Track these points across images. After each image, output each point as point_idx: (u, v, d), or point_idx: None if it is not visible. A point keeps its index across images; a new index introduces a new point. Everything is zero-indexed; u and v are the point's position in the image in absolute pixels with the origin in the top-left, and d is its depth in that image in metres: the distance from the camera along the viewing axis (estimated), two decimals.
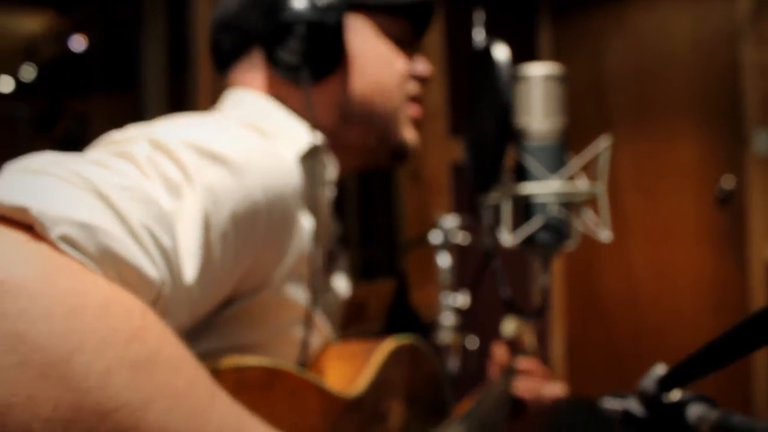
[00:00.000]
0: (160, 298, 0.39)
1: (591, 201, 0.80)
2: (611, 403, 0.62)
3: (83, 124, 1.86)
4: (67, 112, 1.86)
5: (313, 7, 0.66)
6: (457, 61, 2.35)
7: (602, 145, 0.78)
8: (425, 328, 1.98)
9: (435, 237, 1.29)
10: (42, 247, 0.32)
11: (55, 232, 0.33)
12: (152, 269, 0.37)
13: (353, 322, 1.91)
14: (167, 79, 1.94)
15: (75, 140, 1.81)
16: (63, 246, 0.33)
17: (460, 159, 2.39)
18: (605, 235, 0.78)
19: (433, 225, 1.31)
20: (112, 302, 0.33)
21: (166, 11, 1.86)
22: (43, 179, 0.36)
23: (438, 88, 2.33)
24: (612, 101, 3.09)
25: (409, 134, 0.78)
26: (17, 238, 0.32)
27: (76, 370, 0.30)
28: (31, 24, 1.89)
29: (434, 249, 1.30)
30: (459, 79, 2.40)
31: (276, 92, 0.70)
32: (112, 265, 0.35)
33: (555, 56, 3.27)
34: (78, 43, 1.90)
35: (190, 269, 0.41)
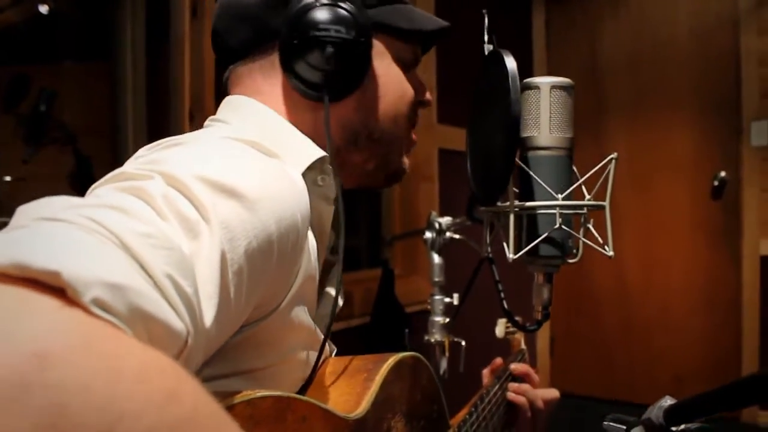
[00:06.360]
0: (185, 348, 0.40)
1: (591, 213, 0.82)
2: (613, 428, 0.65)
3: (52, 99, 1.82)
4: (34, 86, 1.83)
5: (345, 24, 0.65)
6: (445, 48, 2.35)
7: (609, 158, 0.80)
8: (408, 319, 2.01)
9: (426, 234, 1.31)
10: (76, 314, 0.33)
11: (87, 297, 0.33)
12: (178, 322, 0.39)
13: (339, 313, 1.93)
14: (145, 49, 1.89)
15: (43, 117, 1.78)
16: (95, 309, 0.34)
17: (447, 146, 2.41)
18: (609, 251, 0.80)
19: (423, 217, 1.33)
20: (147, 365, 0.34)
21: None
22: (63, 230, 0.37)
23: (427, 77, 2.34)
24: (606, 89, 3.11)
25: (405, 160, 0.81)
26: (51, 304, 0.33)
27: None
28: None
29: (424, 243, 1.32)
30: (447, 67, 2.42)
31: (285, 102, 0.70)
32: (141, 323, 0.36)
33: (548, 42, 3.28)
34: (45, 7, 1.86)
35: (208, 313, 0.43)
